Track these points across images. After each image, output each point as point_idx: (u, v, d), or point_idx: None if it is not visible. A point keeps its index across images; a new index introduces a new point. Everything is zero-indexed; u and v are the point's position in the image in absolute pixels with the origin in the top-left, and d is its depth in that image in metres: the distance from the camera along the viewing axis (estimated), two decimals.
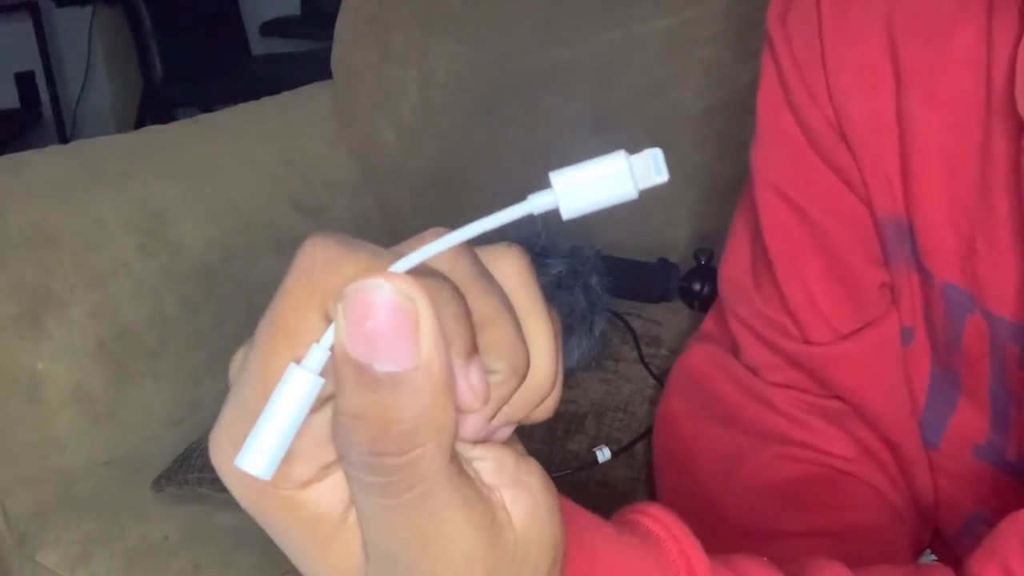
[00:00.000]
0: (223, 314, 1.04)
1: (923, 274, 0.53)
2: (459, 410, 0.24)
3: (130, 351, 0.95)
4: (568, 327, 0.79)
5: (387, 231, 1.27)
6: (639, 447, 0.76)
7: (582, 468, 0.74)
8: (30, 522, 0.88)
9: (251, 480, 0.24)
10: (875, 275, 0.57)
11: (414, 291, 0.22)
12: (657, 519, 0.32)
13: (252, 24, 3.30)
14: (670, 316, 0.92)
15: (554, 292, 0.79)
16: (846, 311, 0.57)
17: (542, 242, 0.81)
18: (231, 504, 0.90)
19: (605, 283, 0.83)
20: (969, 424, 0.56)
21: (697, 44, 1.05)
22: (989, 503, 0.57)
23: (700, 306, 0.92)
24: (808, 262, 0.57)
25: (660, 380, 0.81)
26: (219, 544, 0.79)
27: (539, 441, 0.75)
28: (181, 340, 1.00)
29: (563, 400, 0.85)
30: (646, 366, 0.84)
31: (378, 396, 0.22)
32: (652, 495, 0.71)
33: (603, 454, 0.74)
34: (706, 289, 0.92)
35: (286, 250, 1.13)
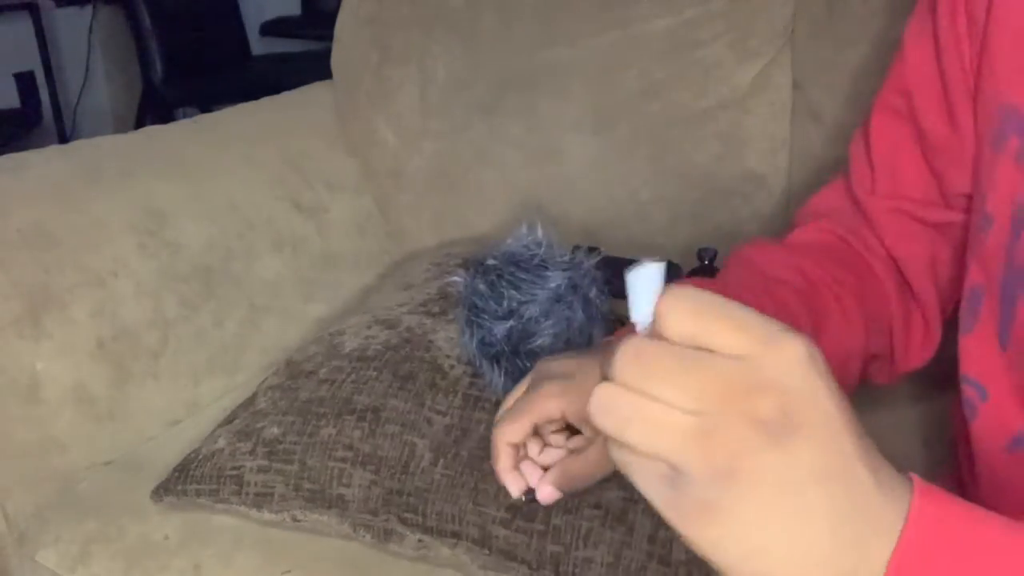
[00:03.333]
0: (223, 314, 1.04)
1: None
2: None
3: (130, 351, 0.95)
4: (566, 341, 0.79)
5: (387, 231, 1.27)
6: None
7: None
8: (30, 522, 0.88)
9: None
10: (961, 183, 0.66)
11: None
12: None
13: (252, 24, 3.30)
14: None
15: (553, 307, 0.78)
16: (926, 192, 0.69)
17: (542, 253, 0.81)
18: (230, 514, 0.89)
19: (604, 296, 0.83)
20: None
21: (697, 44, 1.05)
22: None
23: None
24: (905, 150, 0.69)
25: None
26: (219, 544, 0.79)
27: None
28: (181, 340, 1.00)
29: None
30: None
31: None
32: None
33: None
34: None
35: (286, 250, 1.13)
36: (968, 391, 0.63)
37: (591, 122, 1.11)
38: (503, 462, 0.64)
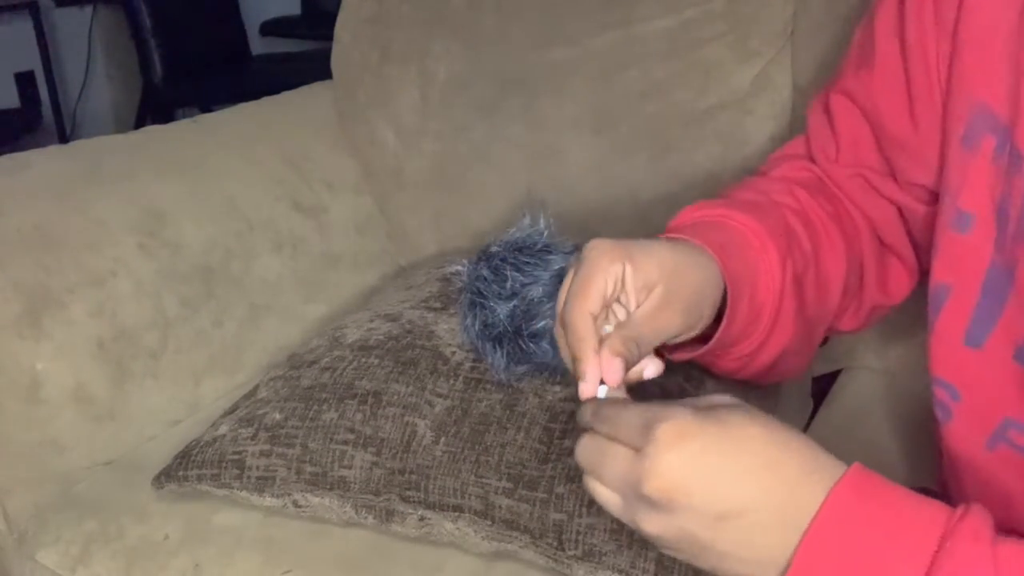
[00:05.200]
0: (223, 314, 1.04)
1: (1013, 158, 0.55)
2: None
3: (130, 351, 0.95)
4: None
5: (387, 231, 1.27)
6: None
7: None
8: (30, 522, 0.88)
9: None
10: (916, 174, 0.67)
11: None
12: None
13: (252, 24, 3.30)
14: None
15: (556, 288, 0.79)
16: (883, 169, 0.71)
17: (544, 240, 0.81)
18: (231, 501, 0.89)
19: None
20: (1015, 325, 0.57)
21: (697, 44, 1.05)
22: (1021, 408, 0.58)
23: None
24: (863, 135, 0.71)
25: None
26: (219, 544, 0.79)
27: (536, 440, 0.75)
28: (181, 340, 1.00)
29: (562, 399, 0.85)
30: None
31: None
32: None
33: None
34: None
35: (286, 250, 1.13)
36: (940, 393, 0.63)
37: (591, 122, 1.11)
38: (590, 340, 0.54)
